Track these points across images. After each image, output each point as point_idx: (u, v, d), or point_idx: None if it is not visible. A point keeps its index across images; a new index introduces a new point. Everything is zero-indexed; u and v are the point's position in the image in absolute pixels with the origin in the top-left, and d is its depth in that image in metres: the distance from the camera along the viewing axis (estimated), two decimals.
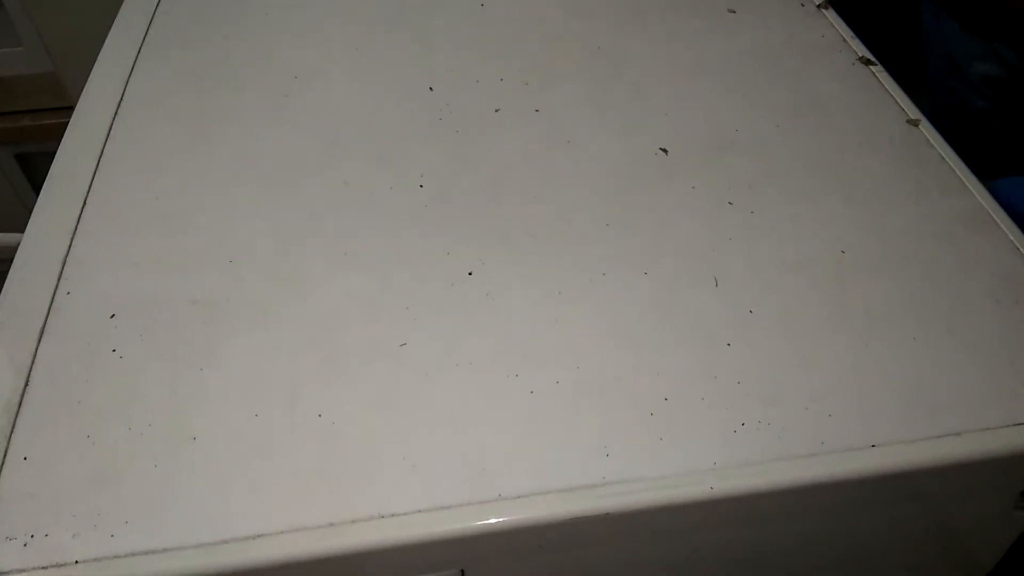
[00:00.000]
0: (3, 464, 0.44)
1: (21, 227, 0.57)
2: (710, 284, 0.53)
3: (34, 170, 1.37)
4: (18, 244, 0.56)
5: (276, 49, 0.73)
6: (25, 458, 0.44)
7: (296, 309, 0.52)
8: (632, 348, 0.50)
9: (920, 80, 1.04)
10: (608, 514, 0.43)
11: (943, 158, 0.62)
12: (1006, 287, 0.53)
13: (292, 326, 0.51)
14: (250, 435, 0.45)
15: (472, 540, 0.42)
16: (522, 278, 0.53)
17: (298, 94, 0.68)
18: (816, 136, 0.64)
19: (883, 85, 0.69)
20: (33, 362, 0.48)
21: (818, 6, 0.78)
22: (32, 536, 0.41)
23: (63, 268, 0.54)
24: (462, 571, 0.45)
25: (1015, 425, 0.46)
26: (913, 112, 0.66)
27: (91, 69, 0.70)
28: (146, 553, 0.40)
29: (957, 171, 0.61)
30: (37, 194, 0.59)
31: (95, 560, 0.40)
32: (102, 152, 0.62)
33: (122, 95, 0.68)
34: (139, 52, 0.73)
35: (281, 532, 0.41)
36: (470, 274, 0.54)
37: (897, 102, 0.67)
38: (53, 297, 0.52)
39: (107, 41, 0.74)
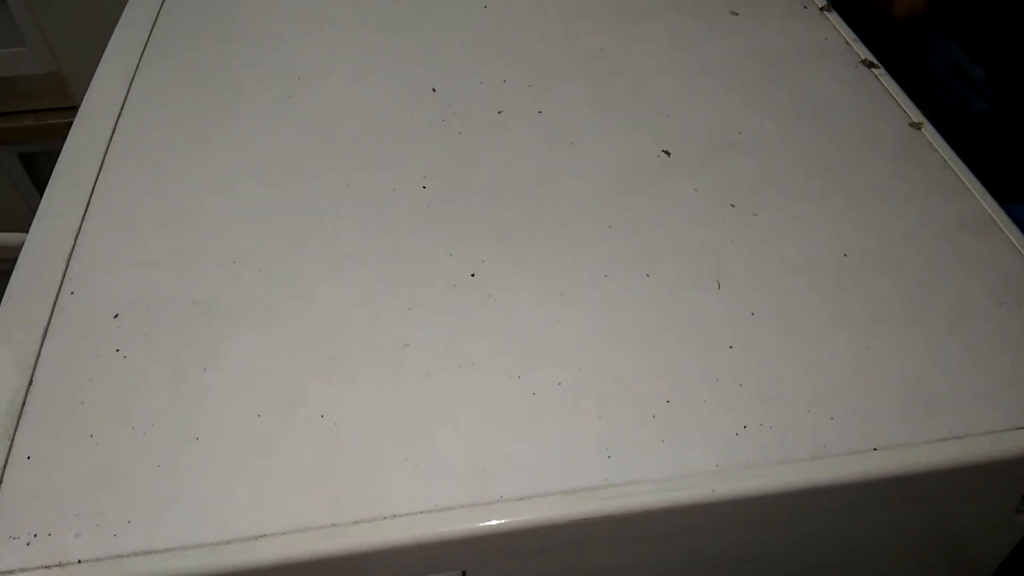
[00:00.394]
0: (7, 463, 0.44)
1: (24, 226, 0.57)
2: (712, 286, 0.53)
3: (37, 169, 1.38)
4: (22, 244, 0.56)
5: (279, 50, 0.73)
6: (28, 457, 0.44)
7: (298, 310, 0.52)
8: (634, 350, 0.50)
9: (923, 81, 1.04)
10: (610, 516, 0.43)
11: (945, 161, 0.62)
12: (1008, 290, 0.53)
13: (294, 327, 0.51)
14: (252, 435, 0.45)
15: (474, 541, 0.42)
16: (524, 279, 0.54)
17: (301, 95, 0.68)
18: (818, 138, 0.64)
19: (885, 88, 0.69)
20: (37, 362, 0.49)
21: (821, 8, 0.78)
22: (35, 535, 0.41)
23: (67, 268, 0.54)
24: (463, 572, 0.45)
25: (1017, 429, 0.46)
26: (916, 115, 0.66)
27: (95, 69, 0.71)
28: (148, 553, 0.40)
29: (959, 174, 0.61)
30: (40, 193, 0.59)
31: (98, 560, 0.40)
32: (106, 152, 0.62)
33: (126, 95, 0.68)
34: (143, 53, 0.73)
35: (283, 533, 0.41)
36: (472, 275, 0.54)
37: (899, 105, 0.67)
38: (57, 297, 0.52)
39: (111, 42, 0.74)
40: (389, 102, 0.68)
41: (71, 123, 0.65)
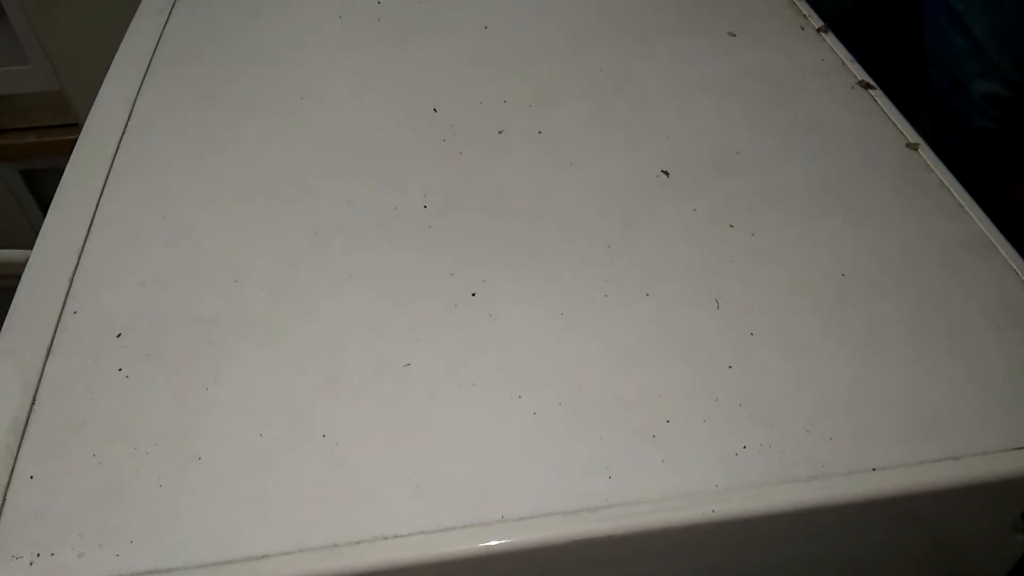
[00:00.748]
0: (9, 482, 0.44)
1: (26, 243, 0.58)
2: (711, 306, 0.54)
3: (39, 186, 1.38)
4: (24, 261, 0.56)
5: (282, 68, 0.74)
6: (31, 476, 0.44)
7: (301, 328, 0.52)
8: (634, 369, 0.50)
9: (922, 99, 1.04)
10: (610, 536, 0.43)
11: (942, 182, 0.63)
12: (1005, 310, 0.54)
13: (296, 345, 0.51)
14: (254, 454, 0.45)
15: (474, 562, 0.42)
16: (524, 299, 0.54)
17: (303, 113, 0.69)
18: (816, 159, 0.65)
19: (882, 108, 0.70)
20: (40, 380, 0.49)
21: (818, 30, 0.79)
22: (38, 555, 0.41)
23: (70, 287, 0.54)
24: None
25: (1014, 449, 0.47)
26: (912, 135, 0.67)
27: (97, 87, 0.71)
28: (151, 572, 0.41)
29: (956, 195, 0.62)
30: (42, 210, 0.60)
31: None
32: (110, 170, 0.63)
33: (130, 113, 0.68)
34: (147, 71, 0.74)
35: (285, 552, 0.41)
36: (473, 294, 0.54)
37: (896, 125, 0.68)
38: (60, 315, 0.52)
39: (115, 60, 0.75)
40: (391, 121, 0.68)
41: (73, 140, 0.66)
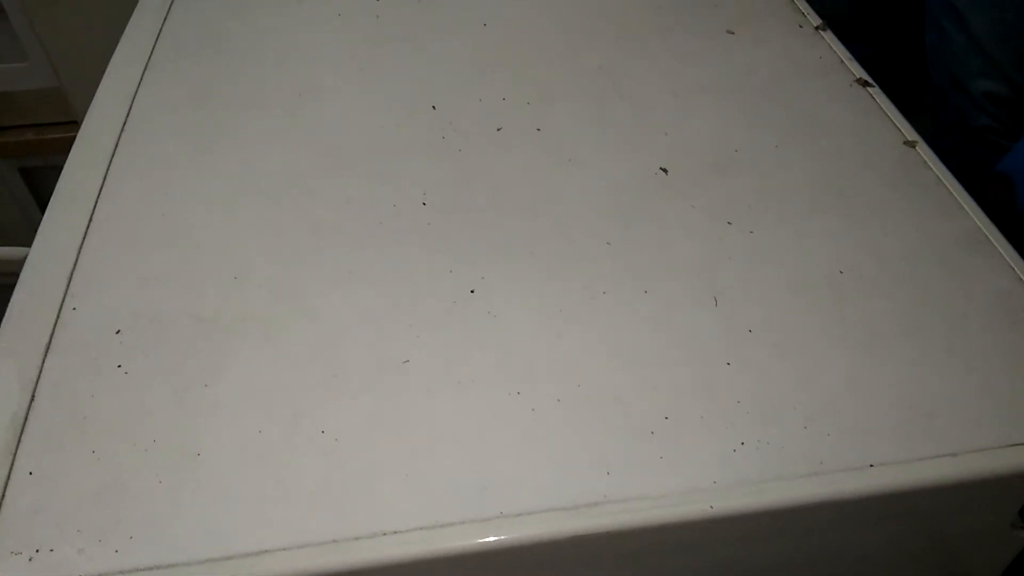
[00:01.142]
0: (8, 479, 0.44)
1: (24, 239, 0.58)
2: (710, 303, 0.54)
3: (38, 183, 1.38)
4: (23, 258, 0.56)
5: (281, 66, 0.74)
6: (31, 473, 0.44)
7: (300, 325, 0.52)
8: (632, 366, 0.50)
9: (922, 98, 1.05)
10: (608, 532, 0.43)
11: (940, 179, 0.63)
12: (1002, 307, 0.54)
13: (296, 342, 0.51)
14: (254, 451, 0.46)
15: (473, 558, 0.43)
16: (523, 296, 0.54)
17: (302, 111, 0.69)
18: (814, 156, 0.65)
19: (880, 106, 0.70)
20: (39, 377, 0.49)
21: (816, 28, 0.79)
22: (37, 551, 0.41)
23: (69, 283, 0.54)
24: None
25: (1012, 445, 0.47)
26: (910, 133, 0.67)
27: (95, 84, 0.71)
28: (151, 569, 0.41)
29: (954, 192, 0.62)
30: (40, 207, 0.60)
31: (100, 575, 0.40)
32: (108, 168, 0.63)
33: (128, 111, 0.68)
34: (145, 68, 0.74)
35: (285, 548, 0.41)
36: (472, 292, 0.54)
37: (894, 123, 0.68)
38: (59, 312, 0.52)
39: (114, 57, 0.75)
40: (389, 119, 0.68)
41: (71, 138, 0.66)
